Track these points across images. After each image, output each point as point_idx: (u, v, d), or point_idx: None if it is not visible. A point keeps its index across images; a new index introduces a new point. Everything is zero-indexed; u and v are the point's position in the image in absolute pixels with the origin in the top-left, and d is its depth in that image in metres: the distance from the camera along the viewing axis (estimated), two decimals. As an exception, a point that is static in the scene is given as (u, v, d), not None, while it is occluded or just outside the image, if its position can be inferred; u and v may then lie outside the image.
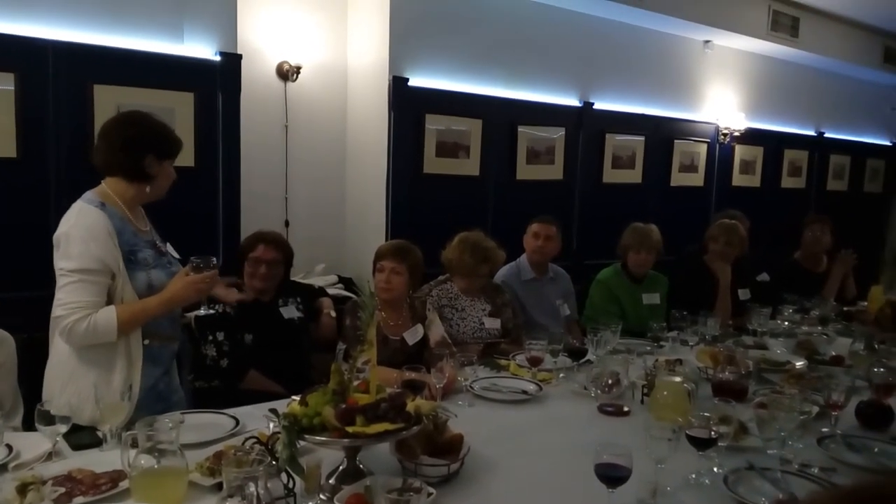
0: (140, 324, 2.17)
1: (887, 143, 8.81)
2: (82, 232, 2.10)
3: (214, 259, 2.23)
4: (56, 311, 2.09)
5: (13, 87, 3.45)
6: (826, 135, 7.89)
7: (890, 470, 1.17)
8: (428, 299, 3.23)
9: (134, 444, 1.64)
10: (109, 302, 2.13)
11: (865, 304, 4.16)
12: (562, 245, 3.87)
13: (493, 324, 3.34)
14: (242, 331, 2.88)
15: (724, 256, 3.98)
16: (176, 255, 2.40)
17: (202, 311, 2.35)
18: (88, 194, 2.20)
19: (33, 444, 1.87)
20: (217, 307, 2.86)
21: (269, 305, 3.02)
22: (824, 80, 7.64)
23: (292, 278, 3.48)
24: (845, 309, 4.14)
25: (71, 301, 2.07)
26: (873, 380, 2.48)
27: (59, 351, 2.20)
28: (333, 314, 3.20)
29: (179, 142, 2.31)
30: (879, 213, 8.81)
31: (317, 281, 4.36)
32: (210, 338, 2.83)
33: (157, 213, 2.47)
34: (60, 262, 2.11)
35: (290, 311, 3.06)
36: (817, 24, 6.91)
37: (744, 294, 4.01)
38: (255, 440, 1.69)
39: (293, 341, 3.02)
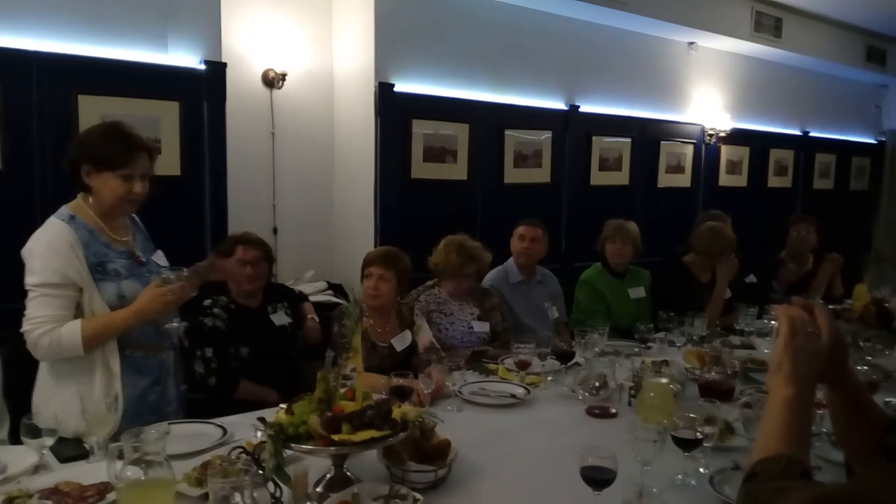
0: (108, 338, 2.16)
1: (872, 140, 8.87)
2: (43, 247, 2.12)
3: (185, 270, 2.23)
4: (24, 325, 2.12)
5: (-3, 99, 3.44)
6: (811, 134, 7.95)
7: (860, 475, 1.21)
8: (416, 305, 3.24)
9: (120, 456, 1.64)
10: (80, 315, 2.14)
11: (850, 301, 4.19)
12: (549, 247, 3.90)
13: (481, 328, 3.35)
14: (237, 344, 2.86)
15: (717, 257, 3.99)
16: (164, 263, 2.38)
17: (175, 324, 2.30)
18: (63, 208, 2.22)
19: (20, 457, 1.86)
20: (206, 320, 2.83)
21: (259, 312, 3.01)
22: (808, 79, 7.70)
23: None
24: (831, 307, 4.17)
25: (35, 316, 2.09)
26: (858, 377, 2.50)
27: (43, 363, 2.21)
28: (316, 319, 3.20)
29: (122, 152, 2.18)
30: (865, 211, 8.87)
31: (306, 287, 4.35)
32: (199, 353, 2.80)
33: (144, 221, 2.48)
34: (26, 278, 2.13)
35: (280, 318, 3.04)
36: (800, 24, 6.96)
37: (727, 293, 4.03)
38: (241, 450, 1.69)
39: (284, 349, 3.01)
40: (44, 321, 2.08)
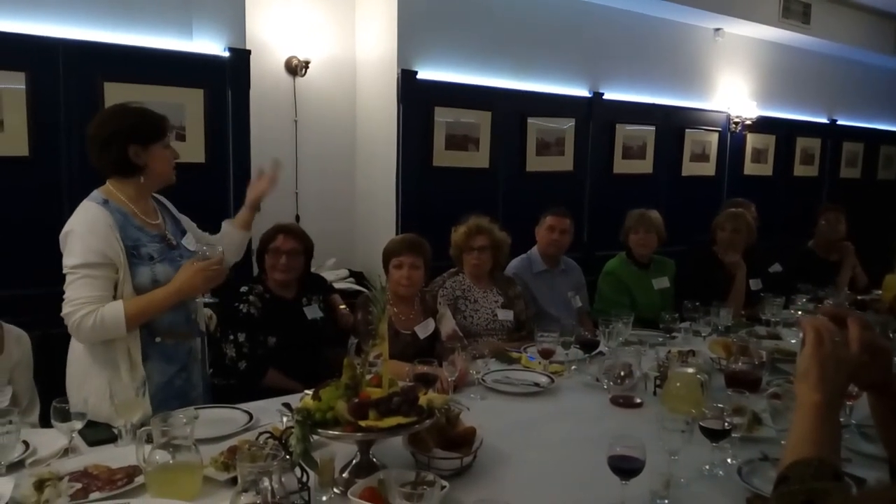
0: (149, 317, 2.18)
1: (901, 129, 8.72)
2: (82, 228, 2.12)
3: (220, 248, 2.24)
4: (64, 308, 2.11)
5: (24, 86, 3.46)
6: (839, 122, 7.82)
7: None
8: (441, 292, 3.23)
9: (149, 440, 1.65)
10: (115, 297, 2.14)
11: (880, 292, 4.12)
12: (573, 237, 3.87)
13: (506, 315, 3.34)
14: (266, 333, 2.86)
15: (732, 243, 3.95)
16: (193, 248, 2.39)
17: (206, 298, 2.33)
18: (95, 192, 2.22)
19: (50, 440, 1.89)
20: (241, 306, 2.84)
21: (293, 304, 2.99)
22: (836, 66, 7.56)
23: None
24: (859, 298, 4.11)
25: (76, 297, 2.09)
26: (888, 369, 2.46)
27: (74, 349, 2.23)
28: (348, 309, 3.21)
29: (160, 121, 2.24)
30: (894, 201, 8.71)
31: (328, 275, 4.36)
32: (231, 337, 2.81)
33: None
34: (65, 260, 2.13)
35: (313, 311, 3.03)
36: (829, 10, 6.84)
37: (755, 284, 3.99)
38: (268, 435, 1.70)
39: (313, 343, 2.99)
40: (85, 302, 2.08)
